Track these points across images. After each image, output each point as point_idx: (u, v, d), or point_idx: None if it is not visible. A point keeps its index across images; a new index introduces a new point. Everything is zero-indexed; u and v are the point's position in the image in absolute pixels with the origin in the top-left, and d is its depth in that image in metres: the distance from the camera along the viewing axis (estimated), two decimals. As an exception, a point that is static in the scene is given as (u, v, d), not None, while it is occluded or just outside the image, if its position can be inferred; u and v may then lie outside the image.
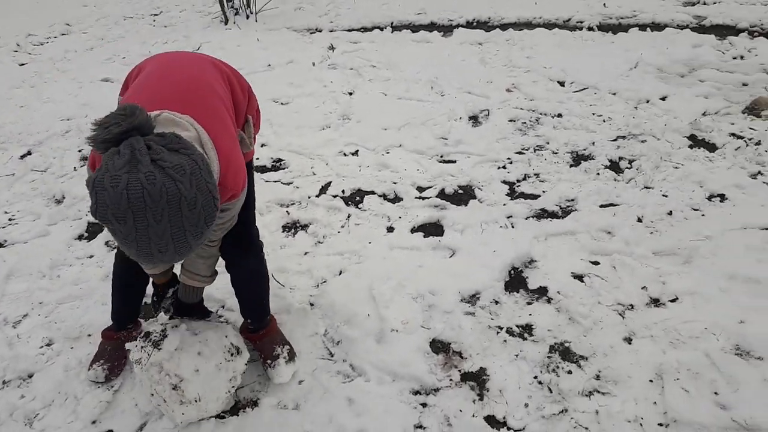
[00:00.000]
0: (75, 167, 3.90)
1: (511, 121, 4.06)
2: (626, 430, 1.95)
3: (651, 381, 2.11)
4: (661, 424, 1.97)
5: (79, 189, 3.58)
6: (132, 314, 2.32)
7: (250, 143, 1.88)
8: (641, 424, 1.97)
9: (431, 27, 6.11)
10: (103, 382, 2.21)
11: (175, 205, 1.19)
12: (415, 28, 6.10)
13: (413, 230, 3.05)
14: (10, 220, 3.38)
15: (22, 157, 4.08)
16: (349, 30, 6.22)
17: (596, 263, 2.70)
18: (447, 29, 5.99)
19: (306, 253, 2.93)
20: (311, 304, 2.58)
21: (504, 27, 5.89)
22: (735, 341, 2.23)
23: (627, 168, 3.43)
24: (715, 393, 2.03)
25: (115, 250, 2.28)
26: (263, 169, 3.71)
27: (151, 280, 2.19)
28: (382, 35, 5.96)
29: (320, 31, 6.30)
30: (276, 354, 2.19)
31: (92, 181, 1.19)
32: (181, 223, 1.22)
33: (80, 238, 3.20)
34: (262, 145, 3.98)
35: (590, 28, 5.69)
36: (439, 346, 2.35)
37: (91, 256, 3.02)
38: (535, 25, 5.88)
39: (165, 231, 1.21)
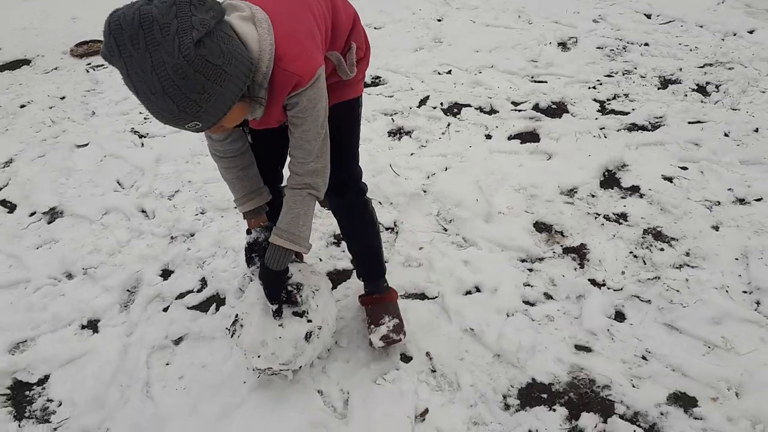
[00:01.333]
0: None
1: (598, 48, 4.24)
2: (713, 295, 2.24)
3: (736, 259, 2.38)
4: (745, 291, 2.24)
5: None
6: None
7: (350, 71, 1.70)
8: (727, 291, 2.25)
9: (514, -38, 6.20)
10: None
11: (147, 28, 1.13)
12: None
13: (510, 138, 3.33)
14: (145, 118, 3.81)
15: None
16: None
17: (685, 168, 2.94)
18: (530, -36, 6.07)
19: (412, 154, 3.26)
20: (424, 191, 2.91)
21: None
22: (816, 232, 2.46)
23: (714, 92, 3.60)
24: (797, 269, 2.28)
25: None
26: (365, 85, 4.01)
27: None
28: (466, -31, 6.09)
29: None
30: (381, 322, 2.08)
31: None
32: (159, 52, 1.14)
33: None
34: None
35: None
36: (542, 227, 2.66)
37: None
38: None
39: (146, 62, 1.14)
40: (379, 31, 4.82)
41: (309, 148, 1.56)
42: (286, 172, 1.81)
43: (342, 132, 1.78)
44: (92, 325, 2.35)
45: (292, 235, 1.65)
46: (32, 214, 3.00)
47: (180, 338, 2.25)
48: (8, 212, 3.04)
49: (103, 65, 4.61)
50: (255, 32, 1.37)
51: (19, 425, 1.98)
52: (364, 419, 1.89)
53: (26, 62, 4.78)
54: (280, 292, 1.78)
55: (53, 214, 2.99)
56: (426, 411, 1.92)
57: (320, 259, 2.55)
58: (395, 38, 4.65)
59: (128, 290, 2.51)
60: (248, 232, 1.91)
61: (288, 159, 1.68)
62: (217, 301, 2.41)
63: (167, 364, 2.15)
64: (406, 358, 2.10)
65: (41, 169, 3.34)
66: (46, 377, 2.15)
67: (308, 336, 1.82)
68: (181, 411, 1.95)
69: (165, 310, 2.38)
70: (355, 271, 2.28)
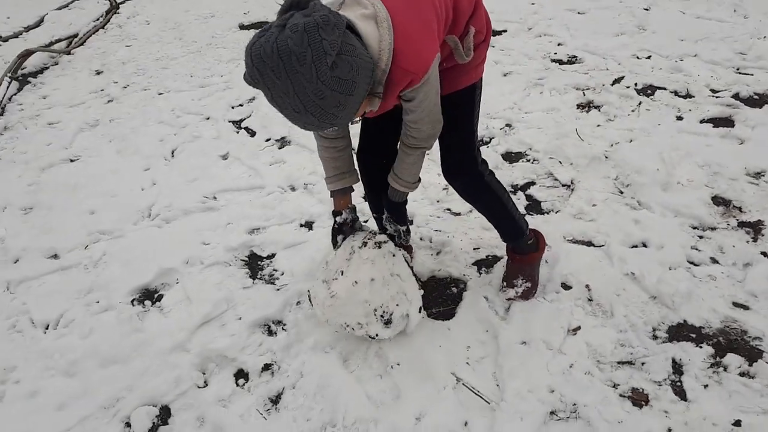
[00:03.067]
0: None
1: (821, 46, 4.02)
2: None
3: None
4: None
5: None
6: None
7: (467, 55, 1.70)
8: None
9: (739, -43, 5.92)
10: None
11: (287, 60, 1.23)
12: (721, -44, 5.97)
13: (702, 121, 3.36)
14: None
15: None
16: (648, -44, 6.30)
17: None
18: (757, -40, 5.77)
19: (599, 125, 3.44)
20: (606, 156, 3.10)
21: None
22: None
23: None
24: None
25: None
26: (560, 62, 4.23)
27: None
28: (684, -38, 5.96)
29: (617, -45, 6.46)
30: (514, 284, 2.27)
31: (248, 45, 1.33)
32: (299, 79, 1.26)
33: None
34: (559, 44, 4.49)
35: None
36: (720, 201, 2.74)
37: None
38: None
39: (288, 88, 1.27)
40: (582, 15, 4.96)
41: (423, 128, 1.72)
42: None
43: (459, 118, 1.85)
44: (308, 225, 2.90)
45: (405, 182, 1.90)
46: (267, 140, 3.68)
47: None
48: (250, 136, 3.75)
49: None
50: (376, 32, 1.43)
51: (253, 282, 2.57)
52: (523, 323, 2.20)
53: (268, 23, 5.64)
54: (399, 215, 2.09)
55: (283, 142, 3.64)
56: (578, 327, 2.18)
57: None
58: (598, 23, 4.77)
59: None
60: (335, 213, 2.10)
61: (403, 127, 1.79)
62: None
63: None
64: (566, 287, 2.37)
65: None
66: (273, 254, 2.73)
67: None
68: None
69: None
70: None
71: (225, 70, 4.65)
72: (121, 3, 6.49)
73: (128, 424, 2.02)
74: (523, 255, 2.25)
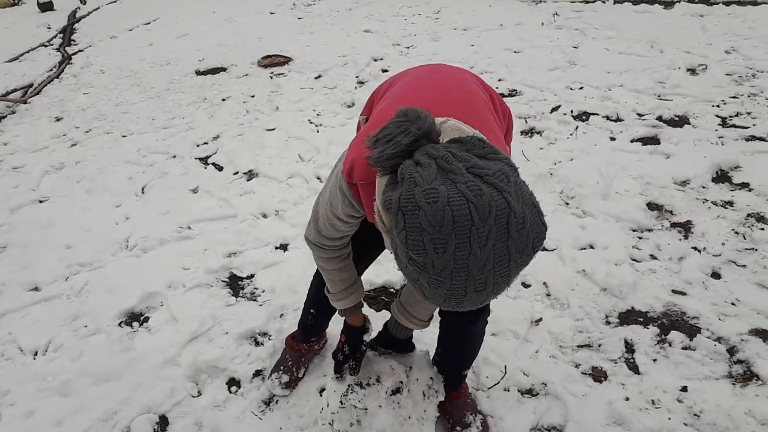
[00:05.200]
0: (355, 86, 5.09)
1: (727, 74, 4.54)
2: (807, 266, 2.55)
3: (834, 241, 2.67)
4: (837, 265, 2.54)
5: (365, 97, 4.75)
6: (319, 329, 2.18)
7: None
8: (820, 264, 2.55)
9: (652, 1, 6.59)
10: (279, 395, 2.17)
11: (502, 224, 0.90)
12: (636, 1, 6.63)
13: (633, 141, 3.75)
14: (318, 114, 4.63)
15: (316, 78, 5.38)
16: (572, 1, 6.91)
17: (797, 172, 3.22)
18: (668, 4, 6.44)
19: (541, 148, 3.78)
20: (550, 173, 3.42)
21: (727, 3, 6.21)
22: None
23: (839, 114, 3.80)
24: None
25: (312, 278, 2.07)
26: (502, 95, 4.60)
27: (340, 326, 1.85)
28: (604, 6, 6.58)
29: (544, 1, 7.06)
30: (467, 422, 1.94)
31: (396, 201, 0.94)
32: (507, 248, 0.92)
33: (368, 127, 4.34)
34: (500, 80, 4.89)
35: (820, 6, 5.82)
36: (653, 206, 3.07)
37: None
38: (760, 3, 6.12)
39: (488, 260, 0.91)
40: (518, 54, 5.41)
41: None
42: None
43: None
44: (283, 247, 3.07)
45: (420, 321, 1.74)
46: (235, 173, 3.85)
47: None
48: (218, 170, 3.91)
49: (283, 74, 5.57)
50: None
51: (236, 299, 2.71)
52: (492, 318, 2.41)
53: (223, 69, 5.86)
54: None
55: (251, 175, 3.81)
56: (540, 319, 2.42)
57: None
58: (532, 60, 5.21)
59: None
60: (353, 332, 1.78)
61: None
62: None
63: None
64: (526, 286, 2.62)
65: (241, 144, 4.22)
66: (253, 274, 2.87)
67: None
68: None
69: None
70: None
71: (186, 112, 4.82)
72: (73, 54, 6.59)
73: (129, 434, 2.10)
74: (459, 390, 2.00)
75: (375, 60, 5.65)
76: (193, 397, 2.24)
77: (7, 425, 2.15)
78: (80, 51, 6.78)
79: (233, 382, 2.29)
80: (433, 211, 0.89)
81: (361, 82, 5.15)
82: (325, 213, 1.48)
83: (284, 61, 5.83)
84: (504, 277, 0.95)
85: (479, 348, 1.87)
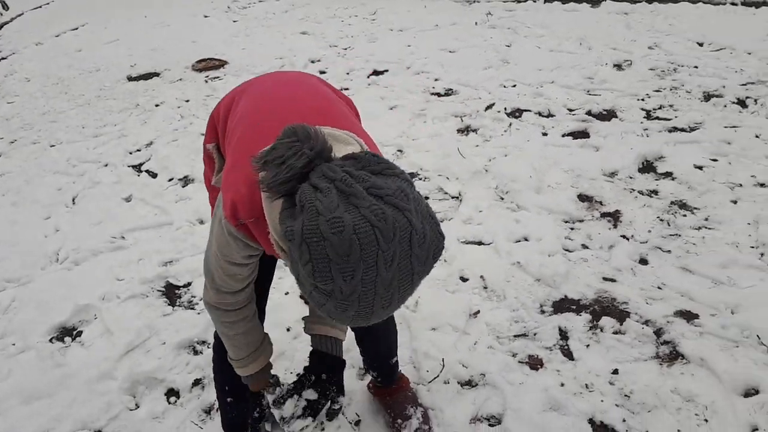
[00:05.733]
0: (292, 88, 5.06)
1: (651, 69, 4.74)
2: (725, 248, 2.69)
3: (749, 224, 2.83)
4: (752, 247, 2.69)
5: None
6: (246, 417, 1.74)
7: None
8: (737, 246, 2.70)
9: (580, 0, 6.82)
10: None
11: (405, 242, 0.90)
12: (565, 0, 6.84)
13: (564, 135, 3.87)
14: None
15: (252, 79, 5.32)
16: (504, 1, 7.08)
17: (715, 160, 3.39)
18: (595, 2, 6.67)
19: (477, 145, 3.86)
20: (486, 170, 3.50)
21: (650, 1, 6.48)
22: (824, 208, 2.87)
23: (752, 104, 4.03)
24: (800, 231, 2.71)
25: (213, 352, 1.75)
26: (438, 95, 4.67)
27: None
28: (535, 5, 6.77)
29: (478, 1, 7.20)
30: (408, 415, 1.95)
31: (299, 232, 0.89)
32: (410, 265, 0.92)
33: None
34: (436, 80, 4.96)
35: (733, 3, 6.15)
36: (584, 198, 3.18)
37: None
38: (680, 1, 6.41)
39: (393, 279, 0.91)
40: (452, 54, 5.50)
41: None
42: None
43: None
44: (220, 252, 3.02)
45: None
46: (170, 180, 3.77)
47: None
48: (152, 177, 3.82)
49: (218, 77, 5.48)
50: None
51: (173, 309, 2.65)
52: (430, 312, 2.45)
53: (156, 74, 5.72)
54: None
55: (186, 181, 3.74)
56: (478, 311, 2.47)
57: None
58: (467, 59, 5.31)
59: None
60: (254, 395, 1.60)
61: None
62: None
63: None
64: (464, 279, 2.66)
65: (175, 149, 4.14)
66: (190, 282, 2.82)
67: None
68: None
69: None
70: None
71: (118, 119, 4.68)
72: (-5, 62, 6.32)
73: (62, 453, 2.03)
74: (399, 383, 2.02)
75: (312, 62, 5.64)
76: (131, 410, 2.18)
77: (-70, 452, 2.05)
78: (3, 59, 6.50)
79: (172, 393, 2.24)
80: (339, 241, 0.86)
81: (298, 85, 5.12)
82: (218, 267, 1.36)
83: (219, 64, 5.75)
84: (408, 289, 0.96)
85: (395, 333, 1.89)
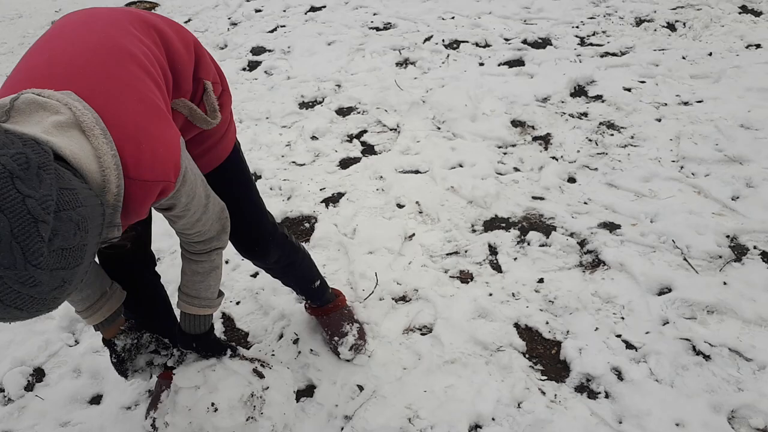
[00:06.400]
0: (228, 28, 4.94)
1: (586, -3, 4.78)
2: (648, 164, 2.81)
3: (671, 140, 2.95)
4: (673, 161, 2.81)
5: (238, 38, 4.62)
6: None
7: (213, 117, 1.36)
8: (659, 161, 2.82)
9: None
10: None
11: None
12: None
13: (500, 64, 3.91)
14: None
15: (186, 21, 5.16)
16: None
17: (643, 82, 3.49)
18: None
19: (415, 78, 3.86)
20: (423, 101, 3.52)
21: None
22: (740, 122, 3.01)
23: (681, 27, 4.13)
24: (716, 144, 2.85)
25: None
26: (377, 29, 4.62)
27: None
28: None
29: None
30: (344, 331, 2.03)
31: None
32: None
33: (243, 69, 4.25)
34: (374, 14, 4.89)
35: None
36: (517, 123, 3.25)
37: (255, 79, 4.06)
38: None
39: None
40: (392, -12, 5.41)
41: (202, 228, 1.31)
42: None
43: (235, 194, 1.50)
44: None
45: (206, 300, 1.46)
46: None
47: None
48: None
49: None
50: (88, 146, 0.96)
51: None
52: (367, 237, 2.52)
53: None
54: (216, 348, 1.60)
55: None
56: (413, 234, 2.54)
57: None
58: (406, -7, 5.24)
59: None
60: (107, 341, 1.52)
61: (175, 235, 1.38)
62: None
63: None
64: (400, 206, 2.72)
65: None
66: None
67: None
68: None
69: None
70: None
71: (45, 66, 4.50)
72: None
73: (1, 390, 2.05)
74: (332, 303, 2.08)
75: (247, 0, 5.48)
76: (70, 346, 2.20)
77: None
78: None
79: (112, 328, 2.26)
80: None
81: (233, 24, 5.00)
82: None
83: (150, 6, 5.54)
84: (14, 294, 0.79)
85: (305, 271, 1.92)
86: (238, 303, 2.31)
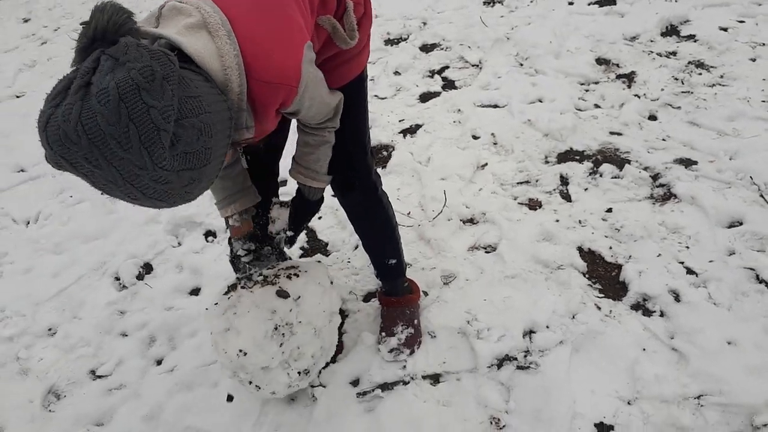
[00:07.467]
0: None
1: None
2: (735, 103, 2.72)
3: (764, 80, 2.84)
4: (764, 101, 2.72)
5: None
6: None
7: (351, 38, 1.38)
8: (748, 100, 2.73)
9: None
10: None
11: (102, 145, 0.85)
12: None
13: (590, 3, 3.82)
14: None
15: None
16: None
17: (742, 21, 3.33)
18: None
19: (501, 16, 3.86)
20: (507, 38, 3.54)
21: None
22: None
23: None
24: (814, 84, 2.71)
25: None
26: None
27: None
28: None
29: None
30: (394, 331, 1.92)
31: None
32: (126, 167, 0.88)
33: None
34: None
35: None
36: (602, 61, 3.22)
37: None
38: None
39: (116, 176, 0.89)
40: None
41: (320, 114, 1.37)
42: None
43: (346, 122, 1.48)
44: None
45: (314, 172, 1.50)
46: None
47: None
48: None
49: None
50: (212, 45, 1.04)
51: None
52: (441, 163, 2.64)
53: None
54: (307, 221, 1.67)
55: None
56: (486, 164, 2.63)
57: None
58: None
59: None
60: (231, 241, 1.64)
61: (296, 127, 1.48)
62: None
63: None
64: (475, 137, 2.81)
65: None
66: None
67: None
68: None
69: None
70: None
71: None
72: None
73: (117, 278, 2.37)
74: (399, 296, 1.96)
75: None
76: (174, 247, 2.49)
77: (9, 279, 2.42)
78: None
79: (209, 234, 2.54)
80: (40, 136, 0.88)
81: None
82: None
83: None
84: (149, 187, 0.93)
85: (384, 233, 1.82)
86: (320, 218, 2.51)
